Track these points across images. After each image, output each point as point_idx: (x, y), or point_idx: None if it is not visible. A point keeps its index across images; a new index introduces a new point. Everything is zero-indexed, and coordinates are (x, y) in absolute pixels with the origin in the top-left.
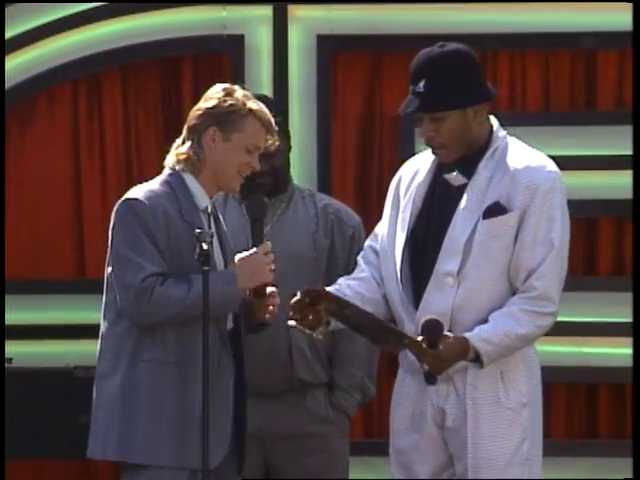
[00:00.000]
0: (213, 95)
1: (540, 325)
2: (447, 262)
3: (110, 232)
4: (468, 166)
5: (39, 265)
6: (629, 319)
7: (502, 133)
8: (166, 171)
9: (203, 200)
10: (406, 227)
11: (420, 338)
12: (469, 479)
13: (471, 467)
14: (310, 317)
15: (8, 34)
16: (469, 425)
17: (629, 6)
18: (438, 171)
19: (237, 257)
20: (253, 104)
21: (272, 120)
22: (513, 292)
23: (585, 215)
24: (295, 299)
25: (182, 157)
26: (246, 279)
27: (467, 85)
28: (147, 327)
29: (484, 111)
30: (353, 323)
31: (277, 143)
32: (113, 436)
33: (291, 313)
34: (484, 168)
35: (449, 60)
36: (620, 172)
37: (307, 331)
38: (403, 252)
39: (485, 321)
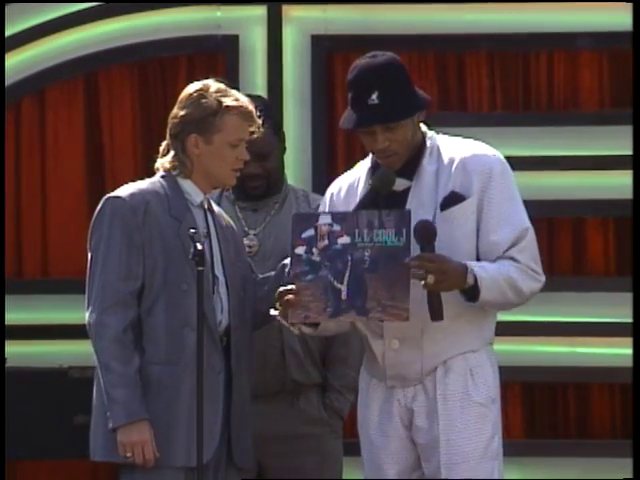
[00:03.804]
0: (186, 100)
1: (525, 280)
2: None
3: (90, 229)
4: (408, 169)
5: (33, 265)
6: (625, 319)
7: (430, 132)
8: (159, 173)
9: (197, 196)
10: None
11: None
12: (443, 478)
13: (444, 463)
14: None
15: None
16: (441, 422)
17: (628, 6)
18: None
19: (142, 424)
20: (228, 100)
21: (251, 108)
22: None
23: (579, 215)
24: (282, 289)
25: (169, 166)
26: (125, 435)
27: (411, 92)
28: (134, 328)
29: (423, 115)
30: None
31: (261, 129)
32: (99, 437)
33: (277, 304)
34: (428, 164)
35: (393, 70)
36: (617, 172)
37: (285, 323)
38: None
39: (458, 315)
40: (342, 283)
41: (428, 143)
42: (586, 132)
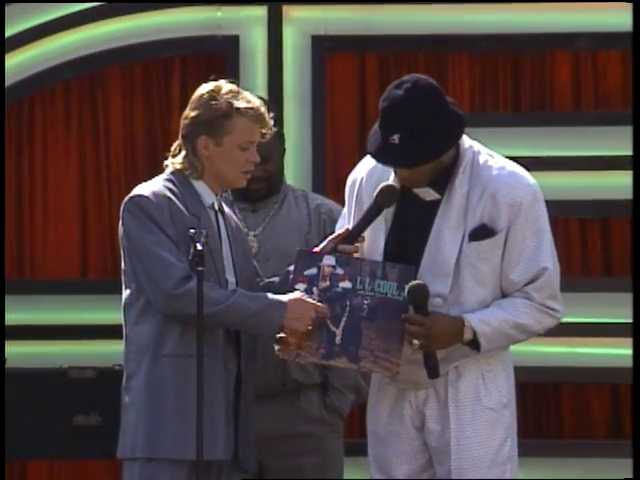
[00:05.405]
0: (197, 101)
1: (539, 320)
2: (436, 283)
3: (121, 229)
4: (439, 181)
5: (32, 265)
6: (625, 319)
7: (468, 144)
8: (168, 170)
9: (208, 197)
10: (380, 240)
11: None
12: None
13: (455, 469)
14: None
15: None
16: (452, 427)
17: (628, 6)
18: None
19: (295, 295)
20: (239, 102)
21: (263, 111)
22: None
23: (579, 216)
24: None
25: (180, 167)
26: (291, 318)
27: (440, 130)
28: (169, 323)
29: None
30: None
31: (272, 131)
32: (141, 434)
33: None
34: (459, 185)
35: (422, 108)
36: (617, 172)
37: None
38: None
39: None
40: (338, 327)
41: (462, 159)
42: (586, 132)
